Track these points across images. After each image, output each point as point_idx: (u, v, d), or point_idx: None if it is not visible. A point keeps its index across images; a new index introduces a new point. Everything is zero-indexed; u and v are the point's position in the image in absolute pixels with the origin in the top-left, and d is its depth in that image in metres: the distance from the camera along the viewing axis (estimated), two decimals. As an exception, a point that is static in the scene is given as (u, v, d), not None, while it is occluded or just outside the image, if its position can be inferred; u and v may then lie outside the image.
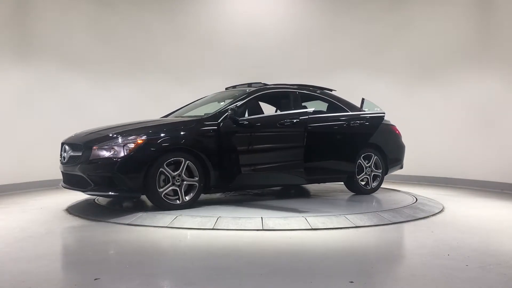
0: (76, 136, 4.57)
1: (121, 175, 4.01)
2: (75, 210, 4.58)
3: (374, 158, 5.51)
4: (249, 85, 5.40)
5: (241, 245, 3.20)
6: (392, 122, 6.05)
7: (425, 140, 6.79)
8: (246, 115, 4.85)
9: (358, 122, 5.31)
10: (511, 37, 6.59)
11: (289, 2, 8.51)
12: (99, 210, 4.41)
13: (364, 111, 5.51)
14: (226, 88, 5.74)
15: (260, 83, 5.43)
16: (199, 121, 4.51)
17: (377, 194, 5.48)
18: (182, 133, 4.34)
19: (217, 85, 6.54)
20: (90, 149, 4.12)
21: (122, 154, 4.01)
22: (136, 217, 3.99)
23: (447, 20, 7.41)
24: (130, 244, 3.27)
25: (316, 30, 8.31)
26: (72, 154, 4.34)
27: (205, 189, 4.46)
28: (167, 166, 4.16)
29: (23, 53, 6.61)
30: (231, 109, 4.47)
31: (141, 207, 4.39)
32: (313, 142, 4.82)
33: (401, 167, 6.09)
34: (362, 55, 8.14)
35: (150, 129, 4.30)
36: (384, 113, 5.47)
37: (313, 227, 3.70)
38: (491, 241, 3.43)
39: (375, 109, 5.57)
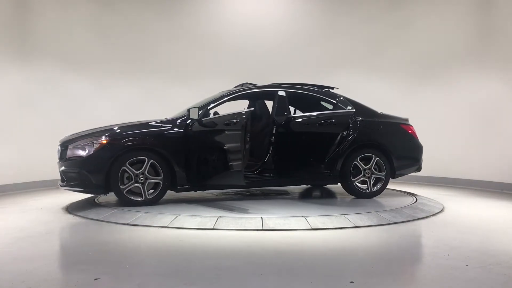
0: (67, 136, 4.83)
1: (85, 173, 4.35)
2: (75, 210, 4.58)
3: (375, 159, 5.12)
4: (242, 85, 5.45)
5: (241, 245, 3.20)
6: (405, 121, 5.62)
7: (425, 140, 6.74)
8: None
9: (322, 122, 4.97)
10: (511, 37, 6.59)
11: (289, 2, 8.51)
12: (99, 210, 4.41)
13: (344, 108, 5.25)
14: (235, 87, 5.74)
15: (247, 83, 5.46)
16: (165, 121, 4.71)
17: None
18: (145, 133, 4.56)
19: (218, 85, 6.53)
20: (67, 148, 4.52)
21: (87, 153, 4.38)
22: (136, 217, 3.99)
23: (447, 20, 7.41)
24: (130, 244, 3.27)
25: (316, 30, 8.30)
26: (60, 153, 4.70)
27: (173, 187, 4.61)
28: (132, 165, 4.40)
29: (23, 53, 6.61)
30: (187, 110, 4.56)
31: (141, 207, 4.39)
32: (267, 143, 5.00)
33: (418, 169, 5.60)
34: (362, 55, 8.14)
35: (117, 130, 4.56)
36: (354, 111, 5.11)
37: (313, 227, 3.70)
38: (491, 241, 3.42)
39: (347, 107, 5.26)
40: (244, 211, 4.25)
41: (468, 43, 7.16)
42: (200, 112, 4.59)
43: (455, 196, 5.98)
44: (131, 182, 4.41)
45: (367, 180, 5.16)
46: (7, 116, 6.33)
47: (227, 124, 4.34)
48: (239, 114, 4.32)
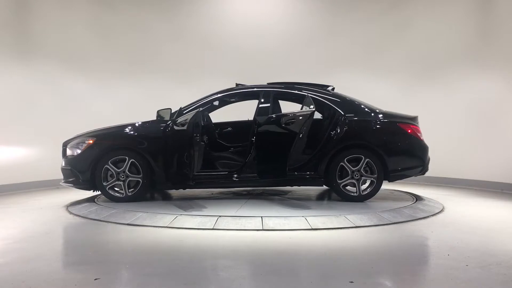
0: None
1: (75, 170, 4.76)
2: (75, 210, 4.59)
3: (365, 160, 4.74)
4: (237, 85, 5.49)
5: (241, 245, 3.20)
6: (408, 119, 5.18)
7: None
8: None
9: (287, 122, 4.44)
10: (511, 37, 6.59)
11: (288, 2, 8.51)
12: (99, 210, 4.42)
13: (308, 108, 4.75)
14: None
15: (237, 83, 5.50)
16: (146, 123, 4.89)
17: (377, 194, 5.23)
18: (127, 134, 4.85)
19: (218, 85, 6.51)
20: (66, 147, 4.95)
21: (78, 152, 4.80)
22: (136, 217, 3.99)
23: (447, 20, 7.41)
24: (130, 244, 3.27)
25: (316, 30, 8.30)
26: (62, 151, 5.06)
27: (156, 184, 4.85)
28: (116, 163, 4.72)
29: (23, 53, 6.62)
30: (157, 111, 4.72)
31: (141, 207, 4.40)
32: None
33: (422, 172, 5.07)
34: (362, 55, 8.13)
35: (104, 130, 4.93)
36: (313, 110, 4.46)
37: (313, 227, 3.70)
38: (491, 241, 3.42)
39: (311, 106, 4.67)
40: (244, 211, 4.25)
41: (468, 43, 7.16)
42: (176, 113, 4.75)
43: (455, 196, 5.97)
44: (113, 179, 4.72)
45: (354, 182, 4.81)
46: (7, 116, 6.33)
47: (183, 125, 4.44)
48: (189, 114, 4.45)
